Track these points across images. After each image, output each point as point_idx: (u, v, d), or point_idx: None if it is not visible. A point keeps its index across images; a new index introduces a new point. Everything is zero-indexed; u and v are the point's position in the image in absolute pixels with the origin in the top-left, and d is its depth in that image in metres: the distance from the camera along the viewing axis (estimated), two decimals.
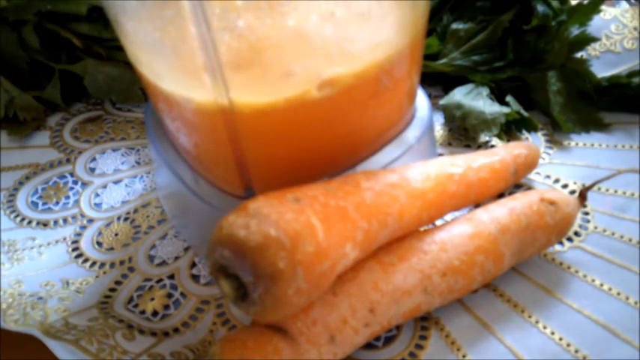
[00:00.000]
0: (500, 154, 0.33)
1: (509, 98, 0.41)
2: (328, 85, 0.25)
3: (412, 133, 0.32)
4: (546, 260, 0.32)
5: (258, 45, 0.23)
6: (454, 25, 0.43)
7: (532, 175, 0.37)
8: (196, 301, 0.32)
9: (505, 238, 0.29)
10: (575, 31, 0.41)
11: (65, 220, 0.37)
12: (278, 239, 0.22)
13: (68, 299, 0.31)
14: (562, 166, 0.38)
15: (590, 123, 0.41)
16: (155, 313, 0.31)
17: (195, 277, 0.33)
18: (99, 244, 0.35)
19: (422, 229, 0.30)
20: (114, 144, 0.43)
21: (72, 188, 0.40)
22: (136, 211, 0.37)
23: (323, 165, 0.28)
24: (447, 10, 0.44)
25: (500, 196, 0.34)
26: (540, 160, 0.37)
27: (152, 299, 0.32)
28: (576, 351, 0.28)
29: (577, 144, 0.39)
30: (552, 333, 0.29)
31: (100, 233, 0.36)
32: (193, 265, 0.34)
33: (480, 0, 0.43)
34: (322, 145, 0.28)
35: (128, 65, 0.41)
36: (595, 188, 0.36)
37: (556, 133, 0.40)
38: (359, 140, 0.29)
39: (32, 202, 0.39)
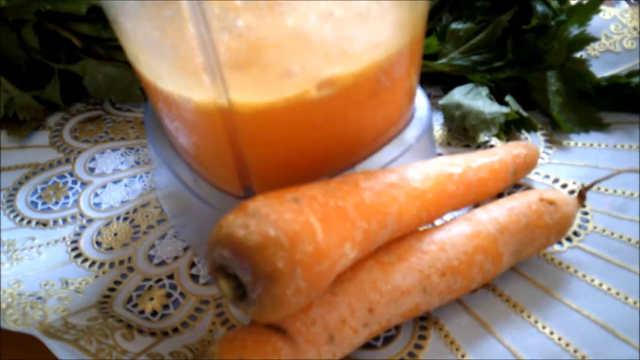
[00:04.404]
0: (499, 154, 0.33)
1: (508, 98, 0.41)
2: (327, 85, 0.25)
3: (411, 133, 0.32)
4: (545, 260, 0.32)
5: (257, 45, 0.23)
6: (453, 25, 0.43)
7: (531, 175, 0.37)
8: (195, 300, 0.32)
9: (504, 238, 0.29)
10: (574, 31, 0.41)
11: (64, 220, 0.37)
12: (277, 239, 0.22)
13: (67, 299, 0.31)
14: (561, 166, 0.38)
15: (590, 123, 0.41)
16: (154, 313, 0.31)
17: (195, 277, 0.33)
18: (98, 243, 0.35)
19: (421, 228, 0.30)
20: (113, 144, 0.43)
21: (71, 188, 0.40)
22: (135, 210, 0.37)
23: (322, 165, 0.28)
24: (446, 10, 0.44)
25: (500, 195, 0.34)
26: (539, 160, 0.37)
27: (151, 299, 0.32)
28: (575, 351, 0.28)
29: (576, 144, 0.39)
30: (551, 333, 0.29)
31: (99, 233, 0.36)
32: (192, 264, 0.34)
33: (480, 0, 0.43)
34: (321, 145, 0.28)
35: (128, 65, 0.41)
36: (594, 188, 0.36)
37: (555, 133, 0.40)
38: (358, 140, 0.29)
39: (32, 201, 0.39)
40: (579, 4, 0.41)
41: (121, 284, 0.33)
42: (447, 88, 0.42)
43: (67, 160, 0.42)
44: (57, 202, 0.39)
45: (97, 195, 0.39)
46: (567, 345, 0.28)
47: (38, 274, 0.33)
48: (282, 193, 0.24)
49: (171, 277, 0.33)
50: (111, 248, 0.35)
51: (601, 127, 0.40)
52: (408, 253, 0.28)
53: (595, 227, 0.34)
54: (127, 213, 0.37)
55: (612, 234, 0.33)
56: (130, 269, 0.34)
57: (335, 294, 0.26)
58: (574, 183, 0.36)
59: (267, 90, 0.25)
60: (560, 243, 0.33)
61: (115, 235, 0.36)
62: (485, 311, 0.30)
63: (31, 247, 0.35)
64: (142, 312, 0.31)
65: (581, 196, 0.32)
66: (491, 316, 0.30)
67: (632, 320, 0.29)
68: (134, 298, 0.32)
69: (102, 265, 0.34)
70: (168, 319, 0.31)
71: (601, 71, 0.43)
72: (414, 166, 0.29)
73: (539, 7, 0.41)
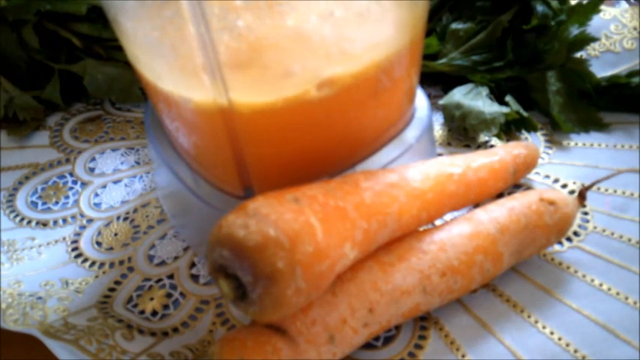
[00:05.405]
0: (499, 154, 0.33)
1: (508, 98, 0.41)
2: (327, 85, 0.25)
3: (411, 133, 0.32)
4: (545, 260, 0.32)
5: (257, 45, 0.23)
6: (453, 25, 0.43)
7: (531, 175, 0.37)
8: (195, 301, 0.32)
9: (504, 238, 0.29)
10: (574, 31, 0.41)
11: (65, 220, 0.37)
12: (277, 239, 0.22)
13: (67, 299, 0.31)
14: (561, 166, 0.38)
15: (590, 123, 0.41)
16: (154, 313, 0.31)
17: (195, 277, 0.33)
18: (98, 243, 0.35)
19: (421, 229, 0.30)
20: (113, 144, 0.43)
21: (71, 188, 0.40)
22: (135, 210, 0.37)
23: (322, 165, 0.28)
24: (446, 10, 0.44)
25: (500, 195, 0.34)
26: (540, 160, 0.37)
27: (151, 299, 0.32)
28: (575, 351, 0.28)
29: (576, 144, 0.39)
30: (552, 333, 0.29)
31: (99, 233, 0.36)
32: (193, 264, 0.34)
33: (480, 0, 0.43)
34: (321, 144, 0.28)
35: (128, 65, 0.41)
36: (594, 188, 0.36)
37: (555, 133, 0.40)
38: (358, 140, 0.29)
39: (32, 202, 0.39)
40: (579, 4, 0.41)
41: (121, 284, 0.33)
42: (447, 88, 0.42)
43: (67, 160, 0.42)
44: (57, 202, 0.39)
45: (97, 195, 0.39)
46: (567, 345, 0.28)
47: (38, 274, 0.33)
48: (282, 193, 0.24)
49: (171, 277, 0.33)
50: (111, 248, 0.35)
51: (601, 127, 0.40)
52: (408, 253, 0.28)
53: (595, 227, 0.34)
54: (127, 213, 0.37)
55: (612, 234, 0.33)
56: (130, 269, 0.34)
57: (335, 294, 0.26)
58: (574, 183, 0.36)
59: (267, 90, 0.25)
60: (560, 243, 0.33)
61: (115, 235, 0.36)
62: (485, 311, 0.30)
63: (31, 247, 0.35)
64: (142, 312, 0.31)
65: (581, 196, 0.32)
66: (491, 316, 0.30)
67: (632, 320, 0.29)
68: (134, 298, 0.32)
69: (102, 265, 0.34)
70: (168, 319, 0.31)
71: (601, 71, 0.43)
72: (414, 166, 0.29)
73: (539, 7, 0.41)
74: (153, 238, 0.35)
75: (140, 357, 0.27)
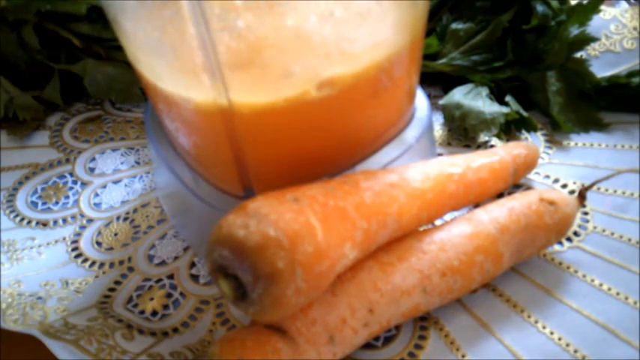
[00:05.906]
0: (499, 154, 0.33)
1: (508, 98, 0.41)
2: (327, 85, 0.25)
3: (411, 133, 0.32)
4: (546, 260, 0.32)
5: (257, 45, 0.23)
6: (454, 25, 0.43)
7: (531, 175, 0.37)
8: (195, 301, 0.32)
9: (504, 238, 0.29)
10: (574, 31, 0.41)
11: (65, 220, 0.37)
12: (277, 239, 0.22)
13: (67, 299, 0.31)
14: (561, 166, 0.38)
15: (590, 123, 0.41)
16: (154, 313, 0.31)
17: (195, 277, 0.33)
18: (98, 243, 0.35)
19: (421, 229, 0.30)
20: (113, 144, 0.43)
21: (71, 188, 0.40)
22: (135, 210, 0.37)
23: (322, 165, 0.28)
24: (446, 10, 0.44)
25: (500, 196, 0.34)
26: (540, 160, 0.37)
27: (151, 299, 0.32)
28: (575, 351, 0.28)
29: (576, 144, 0.39)
30: (551, 333, 0.29)
31: (99, 233, 0.36)
32: (193, 264, 0.34)
33: (480, 0, 0.43)
34: (321, 145, 0.28)
35: (128, 65, 0.41)
36: (594, 188, 0.36)
37: (555, 133, 0.40)
38: (358, 140, 0.29)
39: (32, 201, 0.39)
40: (579, 4, 0.41)
41: (121, 284, 0.33)
42: (447, 88, 0.42)
43: (67, 160, 0.42)
44: (57, 202, 0.39)
45: (97, 195, 0.39)
46: (567, 345, 0.28)
47: (38, 274, 0.33)
48: (282, 193, 0.24)
49: (171, 277, 0.33)
50: (111, 248, 0.35)
51: (601, 127, 0.40)
52: (408, 253, 0.28)
53: (595, 227, 0.34)
54: (127, 213, 0.37)
55: (612, 234, 0.33)
56: (130, 269, 0.34)
57: (335, 294, 0.26)
58: (574, 183, 0.36)
59: (267, 90, 0.25)
60: (560, 243, 0.33)
61: (115, 235, 0.36)
62: (485, 311, 0.30)
63: (31, 247, 0.35)
64: (142, 312, 0.31)
65: (582, 196, 0.32)
66: (491, 316, 0.30)
67: (632, 320, 0.29)
68: (134, 298, 0.32)
69: (102, 265, 0.34)
70: (168, 319, 0.31)
71: (601, 71, 0.43)
72: (414, 166, 0.29)
73: (539, 7, 0.41)
74: (153, 238, 0.35)
75: (140, 357, 0.27)
